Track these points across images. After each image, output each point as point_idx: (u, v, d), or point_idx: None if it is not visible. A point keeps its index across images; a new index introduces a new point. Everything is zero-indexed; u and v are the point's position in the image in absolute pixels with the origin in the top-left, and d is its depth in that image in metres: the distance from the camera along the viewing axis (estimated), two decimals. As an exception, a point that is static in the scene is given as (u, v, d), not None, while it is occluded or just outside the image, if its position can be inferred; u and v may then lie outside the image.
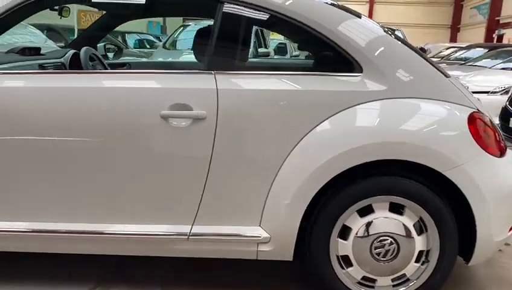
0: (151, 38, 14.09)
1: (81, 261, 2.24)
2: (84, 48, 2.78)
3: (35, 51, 2.58)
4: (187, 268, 2.25)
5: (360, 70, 1.87)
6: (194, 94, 1.82)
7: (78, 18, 16.31)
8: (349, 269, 1.92)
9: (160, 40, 14.62)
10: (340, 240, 1.88)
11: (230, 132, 1.82)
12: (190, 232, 1.88)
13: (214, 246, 1.92)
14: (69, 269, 2.22)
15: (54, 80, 1.88)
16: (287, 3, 1.88)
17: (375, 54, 1.88)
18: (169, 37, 7.96)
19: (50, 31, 9.67)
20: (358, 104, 1.83)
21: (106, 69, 3.01)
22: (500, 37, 18.93)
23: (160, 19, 23.77)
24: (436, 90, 1.90)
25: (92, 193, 1.86)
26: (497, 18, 19.71)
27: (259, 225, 1.89)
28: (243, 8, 1.90)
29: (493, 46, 11.03)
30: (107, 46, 3.34)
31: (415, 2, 26.01)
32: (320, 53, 1.98)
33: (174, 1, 1.98)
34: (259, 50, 7.71)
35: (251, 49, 7.57)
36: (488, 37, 19.50)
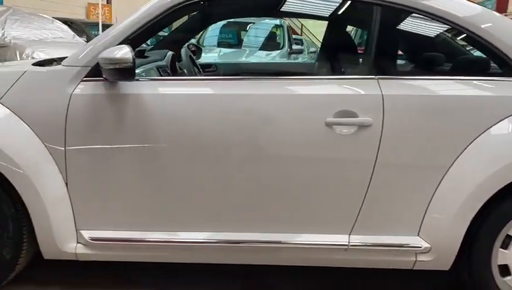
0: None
1: (217, 274, 2.17)
2: (183, 50, 2.71)
3: (141, 54, 2.51)
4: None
5: (524, 74, 1.81)
6: (360, 101, 1.76)
7: (87, 11, 16.14)
8: (507, 278, 1.88)
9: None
10: (501, 249, 1.84)
11: (395, 139, 1.76)
12: (349, 242, 1.83)
13: (372, 256, 1.87)
14: (210, 280, 2.16)
15: (219, 86, 1.83)
16: (447, 7, 1.82)
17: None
18: (201, 35, 7.85)
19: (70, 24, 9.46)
20: None
21: (199, 69, 2.94)
22: (507, 33, 18.95)
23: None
24: None
25: (253, 202, 1.81)
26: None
27: (418, 235, 1.84)
28: (400, 11, 1.84)
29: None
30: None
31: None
32: (478, 57, 1.93)
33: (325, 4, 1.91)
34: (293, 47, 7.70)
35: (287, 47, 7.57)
36: (495, 33, 19.51)
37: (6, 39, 6.54)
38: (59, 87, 1.77)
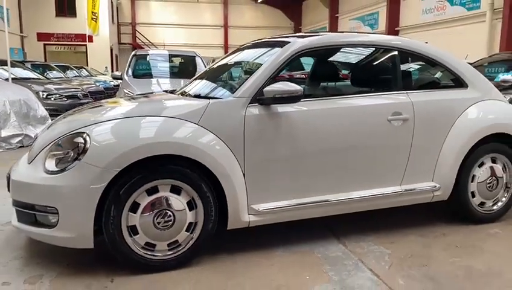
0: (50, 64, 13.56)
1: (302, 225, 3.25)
2: None
3: None
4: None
5: (466, 86, 3.38)
6: (402, 105, 3.09)
7: None
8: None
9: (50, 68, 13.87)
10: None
11: (422, 128, 3.13)
12: (402, 190, 3.13)
13: (410, 197, 3.20)
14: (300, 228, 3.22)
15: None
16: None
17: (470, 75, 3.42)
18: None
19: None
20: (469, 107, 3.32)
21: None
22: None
23: (19, 45, 22.10)
24: (497, 94, 3.52)
25: (345, 174, 3.00)
26: (396, 28, 18.96)
27: (432, 180, 3.24)
28: (409, 54, 3.27)
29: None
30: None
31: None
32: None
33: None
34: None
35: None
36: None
37: None
38: (237, 111, 2.71)
